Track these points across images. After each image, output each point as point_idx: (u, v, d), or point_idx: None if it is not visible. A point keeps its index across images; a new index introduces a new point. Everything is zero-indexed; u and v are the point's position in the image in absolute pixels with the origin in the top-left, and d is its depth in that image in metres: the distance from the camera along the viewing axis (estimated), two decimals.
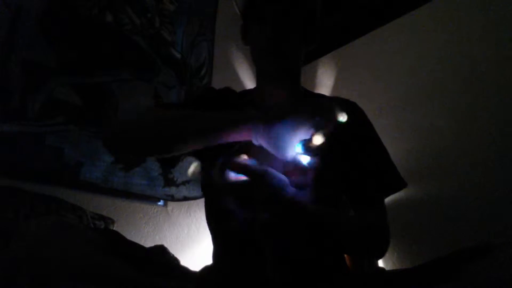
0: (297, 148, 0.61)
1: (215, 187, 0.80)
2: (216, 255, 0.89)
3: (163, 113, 0.82)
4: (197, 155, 0.93)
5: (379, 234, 0.82)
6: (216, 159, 0.86)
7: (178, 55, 2.03)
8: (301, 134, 0.62)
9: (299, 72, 0.97)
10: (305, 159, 0.62)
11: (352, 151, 0.84)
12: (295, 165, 0.61)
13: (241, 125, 0.69)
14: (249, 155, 0.83)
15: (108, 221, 1.50)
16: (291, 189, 0.61)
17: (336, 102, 0.98)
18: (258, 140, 0.67)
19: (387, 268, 1.60)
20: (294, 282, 0.75)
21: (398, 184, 0.87)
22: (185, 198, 1.88)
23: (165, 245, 1.42)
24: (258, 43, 0.91)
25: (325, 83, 2.16)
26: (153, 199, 1.81)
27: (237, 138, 0.70)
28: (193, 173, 1.91)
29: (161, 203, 1.84)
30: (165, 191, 1.83)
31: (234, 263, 0.81)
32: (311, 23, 0.94)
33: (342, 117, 0.61)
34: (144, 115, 0.82)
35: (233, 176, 0.60)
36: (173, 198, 1.85)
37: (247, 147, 0.85)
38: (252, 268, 0.78)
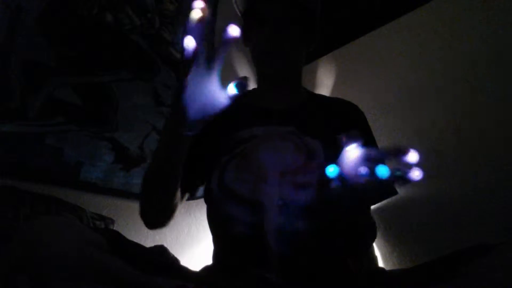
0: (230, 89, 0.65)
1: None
2: (217, 255, 0.89)
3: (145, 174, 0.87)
4: (197, 171, 0.93)
5: (369, 233, 0.83)
6: (219, 164, 0.86)
7: (178, 55, 2.03)
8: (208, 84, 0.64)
9: (299, 73, 0.97)
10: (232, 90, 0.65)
11: None
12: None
13: (175, 128, 0.71)
14: (252, 156, 0.83)
15: (108, 221, 1.50)
16: None
17: (337, 103, 0.98)
18: (192, 133, 0.70)
19: (387, 268, 1.60)
20: (296, 282, 0.75)
21: (388, 191, 0.87)
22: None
23: (165, 245, 1.41)
24: (258, 45, 0.90)
25: (325, 83, 2.15)
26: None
27: (186, 143, 0.74)
28: None
29: None
30: None
31: (235, 264, 0.81)
32: (311, 24, 0.93)
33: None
34: (140, 189, 0.89)
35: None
36: None
37: (250, 150, 0.85)
38: (253, 268, 0.77)
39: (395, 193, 0.87)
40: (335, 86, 2.13)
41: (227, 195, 0.82)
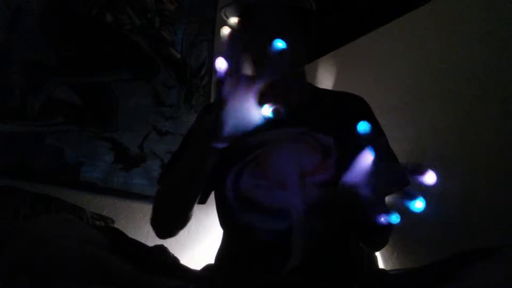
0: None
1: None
2: (229, 259, 0.88)
3: (163, 187, 0.90)
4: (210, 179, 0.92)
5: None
6: (231, 172, 0.85)
7: (178, 55, 2.03)
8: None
9: (303, 73, 0.96)
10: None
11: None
12: None
13: (206, 154, 0.73)
14: (268, 162, 0.83)
15: (108, 221, 1.50)
16: None
17: (343, 96, 0.99)
18: (223, 145, 0.71)
19: (387, 269, 1.59)
20: (299, 281, 0.75)
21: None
22: None
23: (165, 245, 1.41)
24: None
25: (325, 83, 2.15)
26: (153, 199, 1.80)
27: (214, 157, 0.75)
28: None
29: None
30: None
31: (241, 262, 0.81)
32: (308, 26, 0.92)
33: None
34: (156, 198, 0.90)
35: None
36: None
37: (264, 155, 0.84)
38: (260, 267, 0.77)
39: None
40: (335, 86, 2.13)
41: (245, 204, 0.82)
